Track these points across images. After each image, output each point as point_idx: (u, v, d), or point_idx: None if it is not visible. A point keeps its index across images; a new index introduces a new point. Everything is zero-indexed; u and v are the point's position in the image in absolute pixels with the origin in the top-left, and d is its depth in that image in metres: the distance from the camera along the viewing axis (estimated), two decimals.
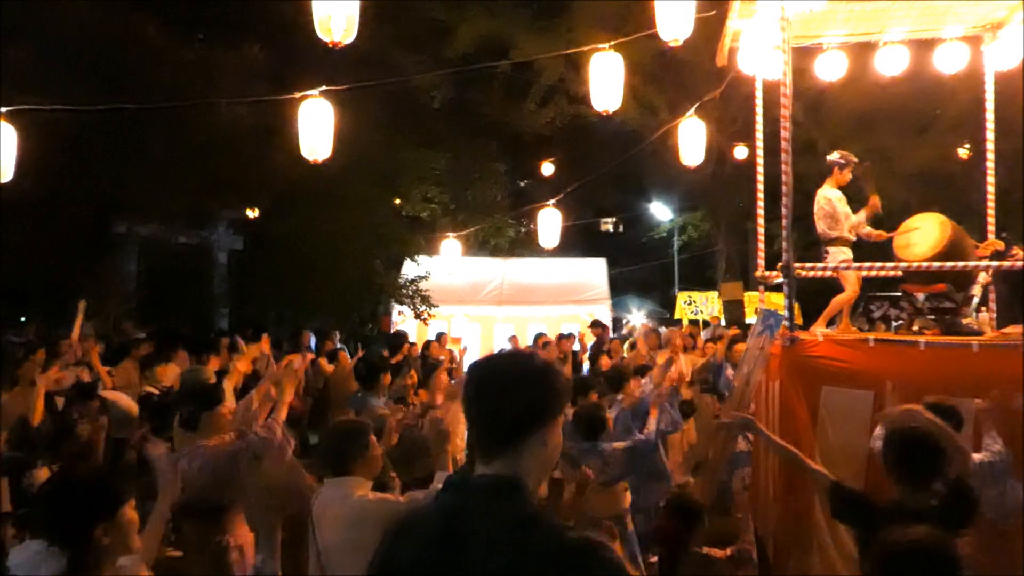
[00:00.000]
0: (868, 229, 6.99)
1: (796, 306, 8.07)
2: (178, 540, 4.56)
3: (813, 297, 7.52)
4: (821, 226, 6.97)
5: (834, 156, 7.07)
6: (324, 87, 6.40)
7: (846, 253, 6.89)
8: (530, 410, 1.80)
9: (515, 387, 1.80)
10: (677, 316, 23.59)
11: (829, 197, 6.92)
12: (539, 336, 12.87)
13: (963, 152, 14.55)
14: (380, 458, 3.81)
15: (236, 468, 4.24)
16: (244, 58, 12.43)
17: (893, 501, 3.37)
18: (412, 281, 15.87)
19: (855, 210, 7.13)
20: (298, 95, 6.42)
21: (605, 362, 10.32)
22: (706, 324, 16.95)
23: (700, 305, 23.51)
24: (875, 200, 7.12)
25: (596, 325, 13.24)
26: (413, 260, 16.22)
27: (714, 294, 20.95)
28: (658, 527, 3.97)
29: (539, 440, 1.80)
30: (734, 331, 12.74)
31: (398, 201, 17.36)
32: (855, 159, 7.10)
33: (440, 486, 3.42)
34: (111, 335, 11.49)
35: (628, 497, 5.68)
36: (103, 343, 9.88)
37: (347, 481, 3.56)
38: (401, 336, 11.81)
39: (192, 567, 4.29)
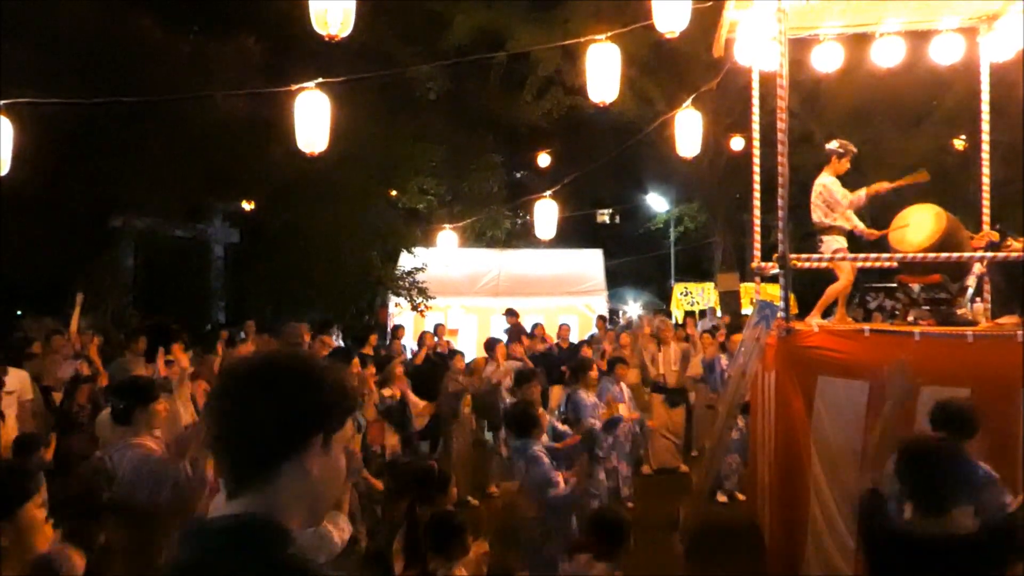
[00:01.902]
0: (863, 227, 6.98)
1: (792, 296, 8.11)
2: (107, 539, 4.42)
3: (810, 288, 7.55)
4: (817, 214, 6.99)
5: (833, 145, 7.09)
6: (320, 79, 6.40)
7: (840, 242, 6.92)
8: (283, 428, 1.39)
9: (264, 398, 1.39)
10: (673, 307, 23.67)
11: (826, 184, 6.94)
12: (536, 326, 12.95)
13: (959, 143, 14.57)
14: None
15: (162, 482, 4.06)
16: (240, 51, 12.40)
17: (909, 522, 3.12)
18: (409, 273, 15.87)
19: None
20: (294, 88, 6.41)
21: (586, 352, 10.43)
22: (702, 314, 16.98)
23: (696, 296, 23.60)
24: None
25: (601, 319, 13.83)
26: (410, 252, 16.22)
27: (710, 285, 21.00)
28: (578, 543, 3.77)
29: (298, 468, 1.40)
30: (725, 319, 12.80)
31: (395, 193, 17.34)
32: (854, 148, 7.12)
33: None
34: (109, 328, 11.50)
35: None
36: (101, 336, 9.88)
37: None
38: (370, 328, 11.88)
39: (120, 567, 4.10)
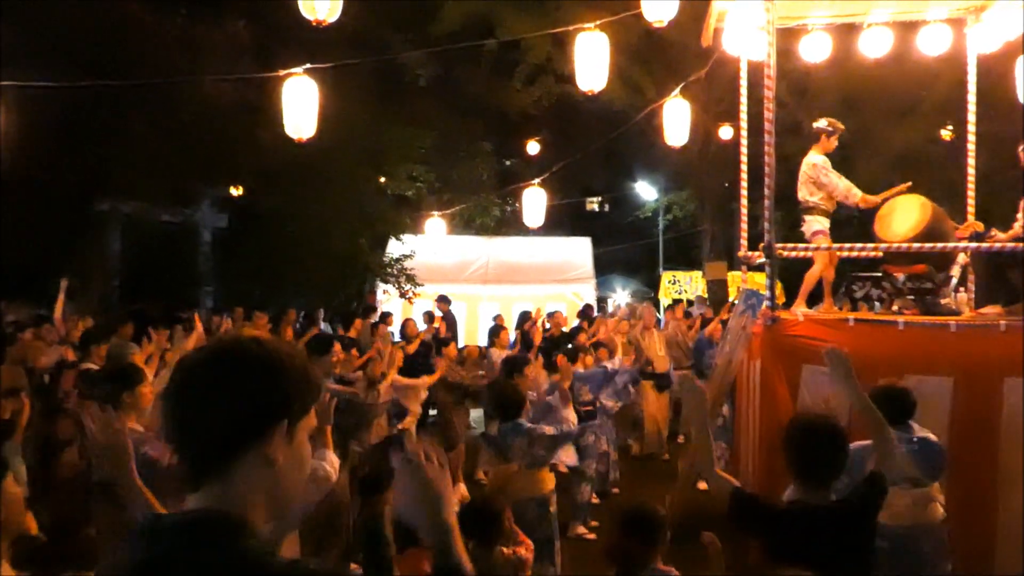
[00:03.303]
0: (860, 194, 6.94)
1: (779, 285, 8.14)
2: (92, 519, 4.42)
3: (797, 277, 7.59)
4: (802, 192, 7.00)
5: (822, 123, 7.10)
6: (308, 65, 6.37)
7: (822, 223, 6.93)
8: (241, 416, 1.33)
9: (221, 386, 1.34)
10: (661, 295, 23.73)
11: (814, 163, 6.94)
12: (525, 314, 12.99)
13: (946, 134, 14.63)
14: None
15: (153, 464, 3.93)
16: (228, 34, 12.36)
17: (791, 501, 3.26)
18: (397, 260, 15.87)
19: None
20: (282, 73, 6.39)
21: (583, 339, 10.48)
22: (691, 302, 17.04)
23: (684, 284, 23.65)
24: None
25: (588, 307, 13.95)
26: (398, 239, 16.22)
27: (699, 273, 21.04)
28: (614, 544, 3.55)
29: (259, 458, 1.34)
30: (708, 313, 12.89)
31: (383, 180, 17.31)
32: (841, 126, 7.14)
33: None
34: (95, 313, 11.46)
35: (552, 479, 5.63)
36: (90, 319, 9.85)
37: None
38: (354, 313, 11.85)
39: (106, 547, 4.04)
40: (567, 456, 6.94)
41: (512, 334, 11.33)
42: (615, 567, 3.52)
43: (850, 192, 6.90)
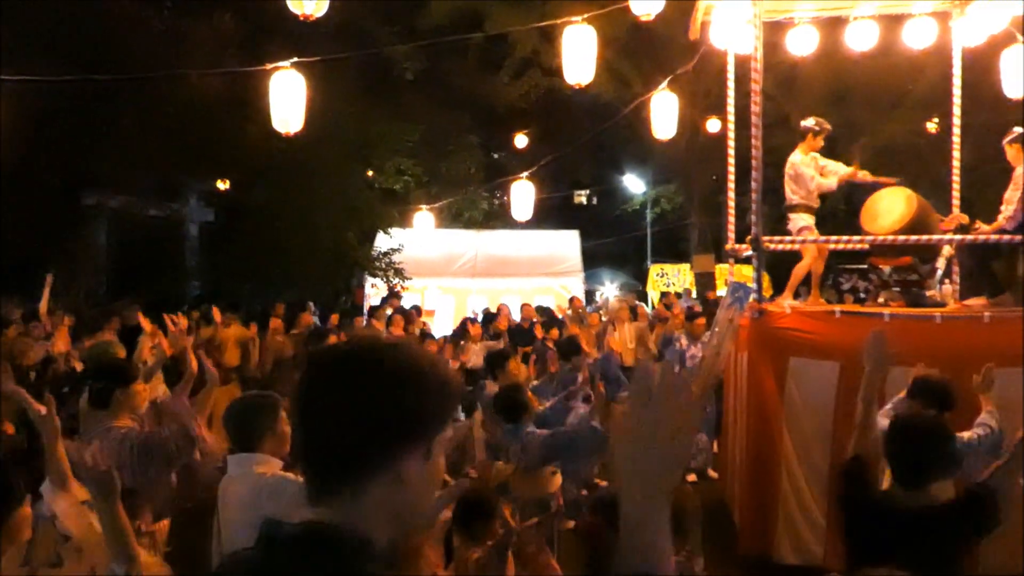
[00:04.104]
0: (848, 171, 7.02)
1: (767, 278, 8.18)
2: None
3: (784, 269, 7.62)
4: (786, 190, 7.08)
5: (809, 122, 7.16)
6: (296, 59, 6.35)
7: (807, 219, 7.00)
8: (380, 433, 1.22)
9: (359, 394, 1.22)
10: (649, 288, 23.78)
11: (794, 162, 7.03)
12: (500, 306, 13.00)
13: (932, 126, 14.71)
14: (288, 434, 3.40)
15: (151, 458, 3.99)
16: (214, 28, 12.29)
17: (885, 494, 3.18)
18: (385, 253, 15.84)
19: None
20: (269, 67, 6.36)
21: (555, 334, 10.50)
22: (678, 295, 17.09)
23: (672, 277, 23.68)
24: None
25: (572, 300, 13.77)
26: (386, 233, 16.18)
27: (686, 266, 21.10)
28: (583, 525, 3.63)
29: (393, 477, 1.23)
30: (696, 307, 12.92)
31: (371, 173, 17.28)
32: (828, 126, 7.19)
33: None
34: (81, 308, 11.40)
35: (557, 480, 5.58)
36: (74, 316, 9.80)
37: (251, 458, 3.30)
38: (342, 307, 11.84)
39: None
40: None
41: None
42: (589, 550, 3.55)
43: (824, 187, 7.00)
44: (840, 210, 13.44)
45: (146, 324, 6.35)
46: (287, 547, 1.21)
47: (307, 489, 1.27)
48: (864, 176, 7.14)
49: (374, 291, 15.93)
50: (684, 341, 9.65)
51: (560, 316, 12.45)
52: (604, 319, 11.32)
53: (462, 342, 10.69)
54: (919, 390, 4.48)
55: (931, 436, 3.11)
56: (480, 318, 12.56)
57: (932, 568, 2.87)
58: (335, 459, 1.23)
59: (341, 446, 1.22)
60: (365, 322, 11.46)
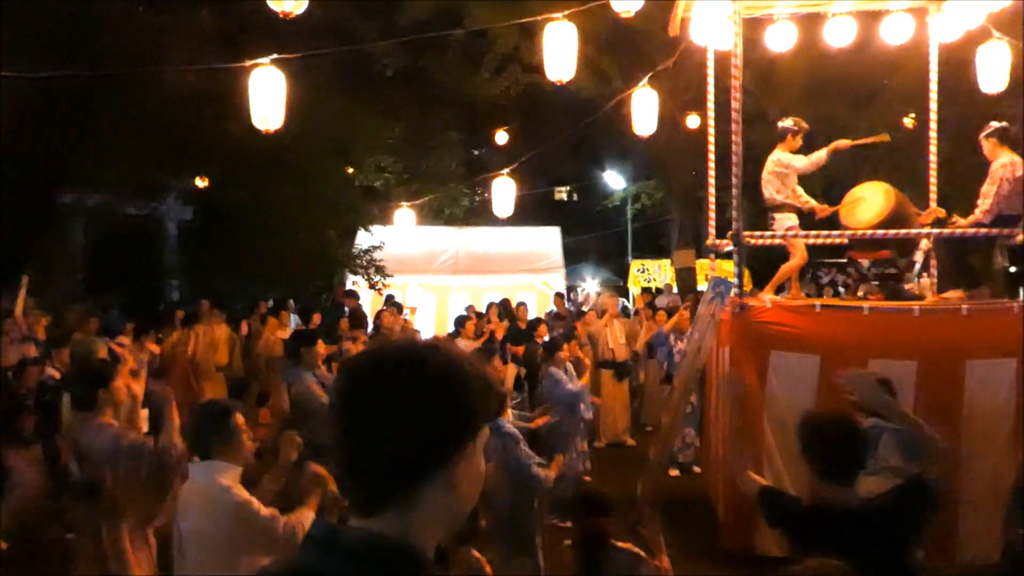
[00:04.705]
0: (813, 203, 7.08)
1: (747, 273, 8.22)
2: (71, 521, 4.38)
3: (765, 264, 7.68)
4: (769, 190, 7.07)
5: (787, 122, 7.18)
6: (275, 56, 6.31)
7: (792, 220, 7.03)
8: (429, 439, 1.19)
9: (406, 400, 1.18)
10: (630, 284, 23.86)
11: (780, 158, 7.02)
12: (491, 305, 13.00)
13: (909, 122, 14.82)
14: (246, 443, 3.47)
15: (139, 462, 4.07)
16: (193, 24, 12.18)
17: (819, 499, 3.18)
18: (366, 251, 15.78)
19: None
20: (249, 64, 6.32)
21: (543, 331, 10.55)
22: (658, 291, 17.15)
23: (653, 273, 23.79)
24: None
25: (559, 296, 14.09)
26: (367, 230, 16.12)
27: (667, 262, 21.18)
28: (577, 527, 3.67)
29: (443, 482, 1.21)
30: (676, 302, 12.99)
31: (351, 170, 17.20)
32: (806, 126, 7.23)
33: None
34: (59, 308, 11.29)
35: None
36: (49, 316, 9.70)
37: (213, 466, 3.34)
38: (320, 305, 11.83)
39: (84, 550, 4.14)
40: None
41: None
42: (576, 549, 3.59)
43: (813, 163, 7.03)
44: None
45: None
46: (347, 555, 1.17)
47: (353, 500, 1.23)
48: (846, 144, 7.17)
49: (355, 288, 15.88)
50: (672, 339, 9.73)
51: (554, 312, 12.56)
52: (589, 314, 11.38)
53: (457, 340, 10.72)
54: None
55: (849, 429, 3.14)
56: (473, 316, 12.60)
57: (880, 563, 2.88)
58: (386, 469, 1.19)
59: (391, 455, 1.18)
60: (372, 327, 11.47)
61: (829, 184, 8.48)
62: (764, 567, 6.01)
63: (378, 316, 11.51)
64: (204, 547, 3.23)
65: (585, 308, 14.89)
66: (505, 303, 12.77)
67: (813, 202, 7.09)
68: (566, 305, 14.49)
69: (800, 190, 7.08)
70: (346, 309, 12.02)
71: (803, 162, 7.01)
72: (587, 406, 7.97)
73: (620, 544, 3.62)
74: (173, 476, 4.07)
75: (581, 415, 7.75)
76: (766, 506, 3.30)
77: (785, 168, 6.98)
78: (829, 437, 3.09)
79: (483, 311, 12.36)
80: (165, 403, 4.30)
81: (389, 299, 13.29)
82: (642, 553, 3.61)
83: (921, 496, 3.08)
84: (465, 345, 10.11)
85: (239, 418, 3.44)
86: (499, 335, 10.70)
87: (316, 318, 11.05)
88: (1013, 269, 6.71)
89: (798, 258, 7.11)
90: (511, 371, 10.57)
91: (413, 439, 1.18)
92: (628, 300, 21.28)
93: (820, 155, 7.05)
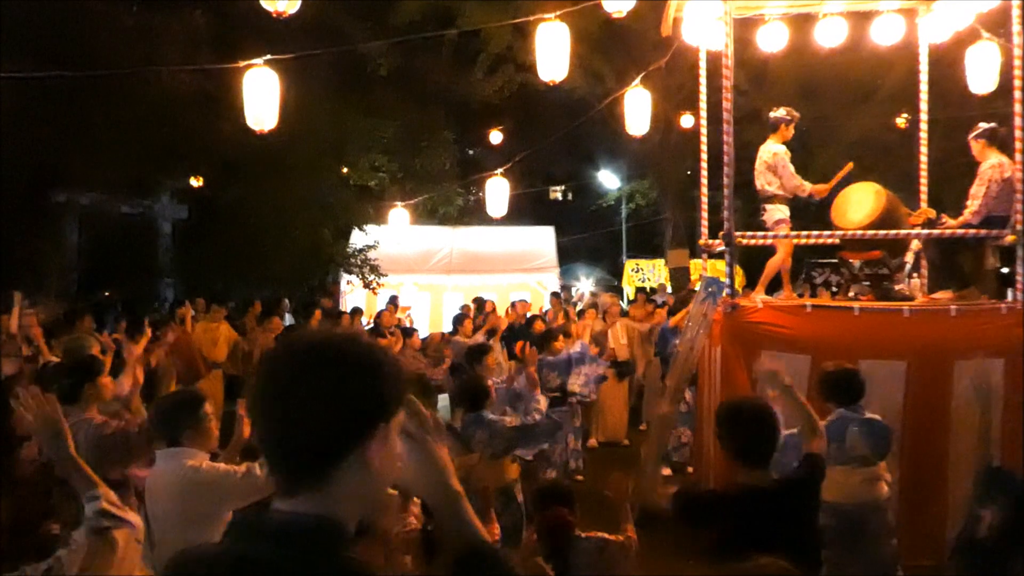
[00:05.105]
0: (810, 187, 7.08)
1: (741, 272, 8.26)
2: (58, 514, 4.42)
3: (759, 263, 7.71)
4: (760, 181, 7.08)
5: (780, 112, 7.19)
6: (269, 56, 6.34)
7: (783, 211, 7.04)
8: (342, 422, 1.27)
9: (322, 385, 1.27)
10: (625, 284, 23.89)
11: (775, 151, 7.03)
12: (481, 302, 13.07)
13: (901, 121, 14.89)
14: (214, 431, 3.62)
15: (125, 450, 4.13)
16: (185, 24, 12.17)
17: (737, 484, 3.35)
18: (361, 250, 15.81)
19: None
20: (243, 64, 6.34)
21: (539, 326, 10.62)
22: (653, 291, 17.19)
23: (647, 272, 23.83)
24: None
25: (555, 296, 14.17)
26: (361, 229, 16.15)
27: (661, 261, 21.20)
28: (540, 518, 3.73)
29: (359, 462, 1.28)
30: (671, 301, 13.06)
31: (346, 170, 17.22)
32: (798, 115, 7.24)
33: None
34: (52, 307, 11.27)
35: (516, 468, 5.71)
36: (42, 314, 9.67)
37: (180, 452, 3.44)
38: (312, 305, 11.87)
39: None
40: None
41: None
42: (542, 542, 3.65)
43: (799, 188, 7.03)
44: (812, 204, 13.56)
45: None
46: (273, 536, 1.26)
47: (275, 481, 1.31)
48: (825, 189, 7.22)
49: (349, 288, 15.91)
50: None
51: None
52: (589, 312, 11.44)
53: (455, 337, 10.76)
54: (829, 380, 4.87)
55: (760, 414, 3.36)
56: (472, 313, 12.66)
57: (793, 544, 2.98)
58: (304, 450, 1.27)
59: (308, 437, 1.26)
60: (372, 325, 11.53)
61: (822, 182, 8.50)
62: None
63: (378, 316, 11.56)
64: (178, 526, 3.28)
65: (579, 305, 14.96)
66: (478, 301, 12.92)
67: (809, 185, 7.08)
68: (562, 305, 14.53)
69: (797, 179, 7.03)
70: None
71: (784, 176, 7.02)
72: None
73: (585, 534, 3.69)
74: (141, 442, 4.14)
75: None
76: (685, 508, 3.43)
77: (779, 166, 6.99)
78: (745, 421, 3.33)
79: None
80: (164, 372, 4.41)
81: (393, 299, 13.39)
82: (609, 536, 3.67)
83: (816, 468, 3.41)
84: (464, 343, 10.14)
85: (208, 407, 3.62)
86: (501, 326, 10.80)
87: (318, 314, 11.06)
88: (1006, 270, 6.75)
89: (782, 253, 7.14)
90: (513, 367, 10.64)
91: (326, 421, 1.26)
92: (623, 299, 21.32)
93: (805, 187, 7.05)
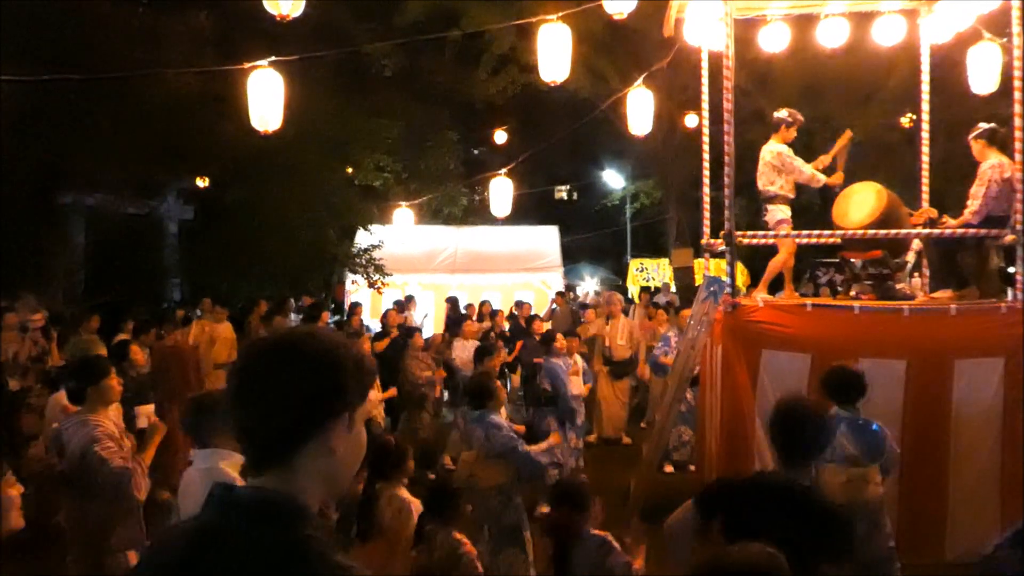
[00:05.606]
0: (823, 178, 7.08)
1: (744, 271, 8.27)
2: (63, 512, 4.46)
3: (762, 262, 7.73)
4: (762, 181, 7.08)
5: (782, 113, 7.20)
6: (273, 58, 6.36)
7: (784, 211, 7.06)
8: (301, 412, 1.41)
9: (284, 377, 1.41)
10: (629, 283, 23.91)
11: (777, 151, 7.03)
12: (483, 303, 13.12)
13: (905, 121, 14.88)
14: None
15: (103, 468, 4.14)
16: (190, 26, 12.24)
17: (761, 473, 3.48)
18: (365, 250, 15.86)
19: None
20: (247, 65, 6.37)
21: (539, 326, 10.66)
22: (656, 290, 17.22)
23: (652, 272, 23.86)
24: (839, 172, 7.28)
25: (559, 295, 14.31)
26: (366, 229, 16.19)
27: (665, 261, 21.23)
28: (548, 515, 3.81)
29: (321, 447, 1.42)
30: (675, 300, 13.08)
31: (350, 170, 17.26)
32: (801, 117, 7.25)
33: None
34: (60, 307, 11.35)
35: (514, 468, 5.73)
36: (46, 312, 9.74)
37: (216, 453, 3.52)
38: (318, 306, 11.97)
39: (79, 536, 4.26)
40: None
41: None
42: (552, 539, 3.71)
43: (814, 179, 7.04)
44: (814, 204, 13.58)
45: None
46: (238, 508, 1.39)
47: (247, 461, 1.46)
48: (826, 160, 7.22)
49: (354, 287, 15.96)
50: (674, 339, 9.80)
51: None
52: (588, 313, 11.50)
53: (456, 338, 10.81)
54: (831, 379, 4.90)
55: (813, 417, 3.41)
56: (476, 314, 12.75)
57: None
58: (270, 435, 1.42)
59: (274, 422, 1.41)
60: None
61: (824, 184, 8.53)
62: None
63: (385, 315, 11.63)
64: None
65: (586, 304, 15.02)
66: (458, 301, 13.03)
67: (821, 176, 7.07)
68: (568, 304, 14.59)
69: (808, 168, 7.02)
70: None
71: (796, 171, 7.02)
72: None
73: (592, 532, 3.73)
74: (127, 503, 4.18)
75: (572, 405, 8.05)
76: (703, 505, 3.42)
77: (785, 164, 6.99)
78: (790, 423, 3.37)
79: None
80: (152, 430, 4.43)
81: (409, 299, 13.54)
82: (614, 542, 3.70)
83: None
84: (465, 343, 10.21)
85: None
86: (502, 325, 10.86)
87: (325, 316, 11.13)
88: (1012, 269, 6.76)
89: (784, 253, 7.16)
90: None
91: (290, 408, 1.40)
92: (626, 299, 21.35)
93: (818, 177, 7.05)
